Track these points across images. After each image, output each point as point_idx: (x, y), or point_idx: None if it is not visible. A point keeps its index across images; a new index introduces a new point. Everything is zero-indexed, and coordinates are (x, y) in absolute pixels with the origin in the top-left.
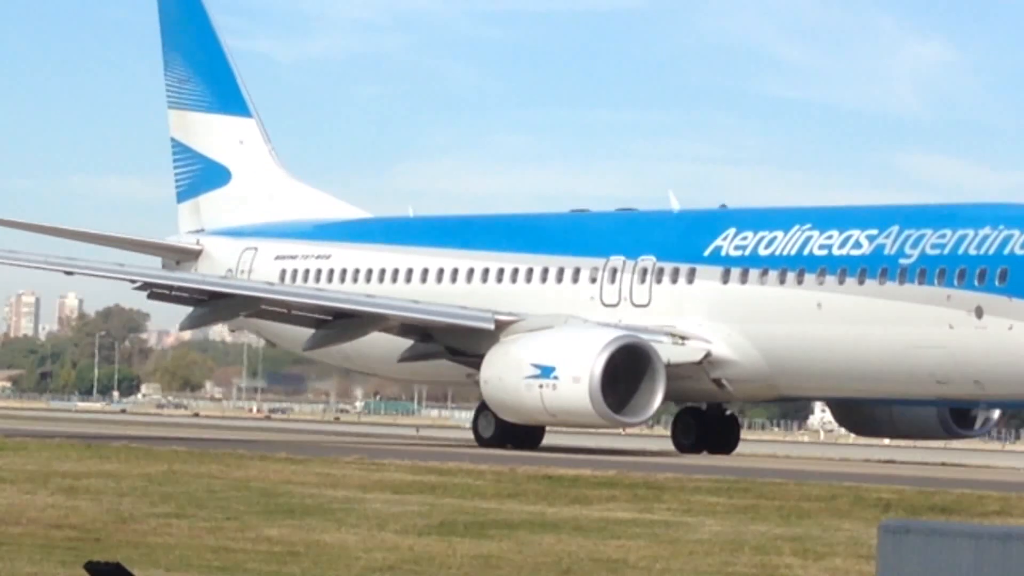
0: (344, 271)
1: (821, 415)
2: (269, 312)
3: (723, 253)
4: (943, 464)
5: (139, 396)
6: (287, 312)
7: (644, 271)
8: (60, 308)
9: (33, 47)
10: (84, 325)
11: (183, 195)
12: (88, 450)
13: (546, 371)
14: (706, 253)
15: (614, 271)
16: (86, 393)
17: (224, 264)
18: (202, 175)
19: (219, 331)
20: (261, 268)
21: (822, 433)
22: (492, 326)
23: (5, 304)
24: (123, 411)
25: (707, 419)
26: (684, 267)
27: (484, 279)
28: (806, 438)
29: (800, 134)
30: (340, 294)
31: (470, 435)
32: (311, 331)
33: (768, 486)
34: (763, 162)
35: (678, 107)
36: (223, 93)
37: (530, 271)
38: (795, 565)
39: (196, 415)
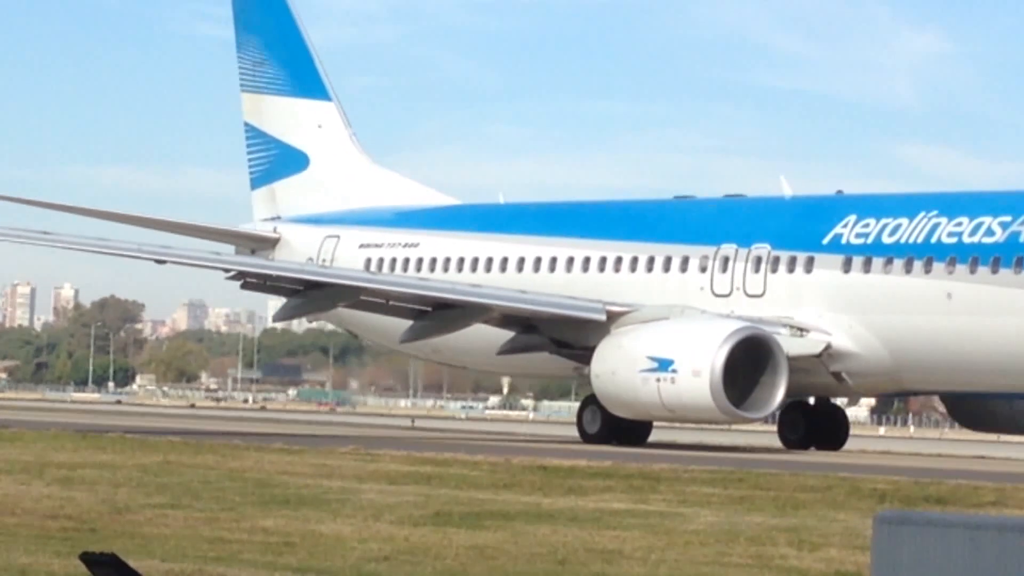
0: (434, 260)
1: None
2: (364, 303)
3: (844, 241)
4: (939, 455)
5: (134, 387)
6: (385, 302)
7: (758, 260)
8: (56, 298)
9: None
10: (80, 316)
11: (257, 181)
12: (83, 441)
13: (664, 364)
14: (825, 241)
15: (725, 260)
16: (81, 384)
17: (303, 253)
18: (278, 161)
19: (214, 321)
20: (344, 257)
21: None
22: (603, 317)
23: (0, 295)
24: (118, 402)
25: (815, 413)
26: (802, 255)
27: (585, 268)
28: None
29: (796, 125)
30: (445, 284)
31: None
32: (402, 323)
33: (763, 477)
34: (759, 153)
35: (674, 98)
36: (301, 76)
37: (635, 260)
38: (790, 556)
39: (192, 406)
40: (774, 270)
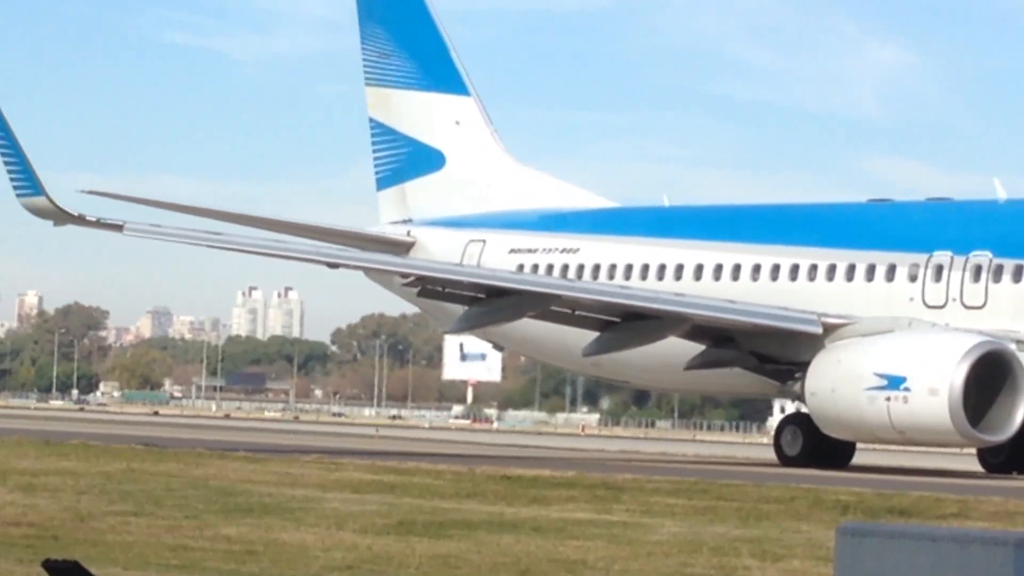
0: (597, 266)
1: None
2: (550, 313)
3: None
4: (901, 468)
5: (98, 394)
6: (571, 312)
7: (978, 268)
8: (20, 305)
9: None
10: (44, 322)
11: (385, 181)
12: (46, 448)
13: (895, 382)
14: None
15: (939, 268)
16: (45, 391)
17: (443, 258)
18: (409, 159)
19: (178, 329)
20: (491, 262)
21: None
22: (819, 330)
23: None
24: (81, 409)
25: (1020, 435)
26: None
27: (774, 276)
28: (765, 440)
29: (762, 136)
30: (648, 293)
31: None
32: (568, 333)
33: (727, 488)
34: (725, 164)
35: (642, 109)
36: (434, 69)
37: (832, 267)
38: (753, 567)
39: (156, 413)
40: (996, 279)
